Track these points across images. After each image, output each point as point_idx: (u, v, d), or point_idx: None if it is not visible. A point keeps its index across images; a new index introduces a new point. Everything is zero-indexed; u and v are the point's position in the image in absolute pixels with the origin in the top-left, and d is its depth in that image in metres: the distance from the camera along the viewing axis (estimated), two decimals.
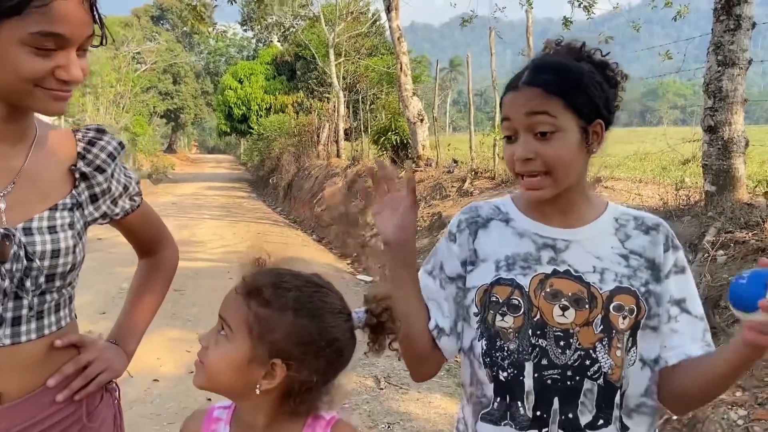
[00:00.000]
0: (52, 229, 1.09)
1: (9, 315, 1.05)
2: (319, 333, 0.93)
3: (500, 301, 1.14)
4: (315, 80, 25.99)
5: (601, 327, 1.11)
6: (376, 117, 15.72)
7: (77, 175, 1.16)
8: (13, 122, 1.07)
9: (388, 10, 10.02)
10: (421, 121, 9.91)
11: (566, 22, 11.79)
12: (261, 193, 20.50)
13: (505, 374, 1.13)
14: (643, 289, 1.13)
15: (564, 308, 1.11)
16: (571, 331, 1.11)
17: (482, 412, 1.16)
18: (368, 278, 7.30)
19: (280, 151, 20.74)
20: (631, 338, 1.12)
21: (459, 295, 1.21)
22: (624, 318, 1.11)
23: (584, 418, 1.10)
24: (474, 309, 1.18)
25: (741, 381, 2.95)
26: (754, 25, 4.21)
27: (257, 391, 0.94)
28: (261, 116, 27.01)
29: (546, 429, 1.11)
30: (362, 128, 15.61)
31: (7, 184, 1.07)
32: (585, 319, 1.11)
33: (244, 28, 31.44)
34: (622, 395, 1.12)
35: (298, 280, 0.97)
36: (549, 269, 1.14)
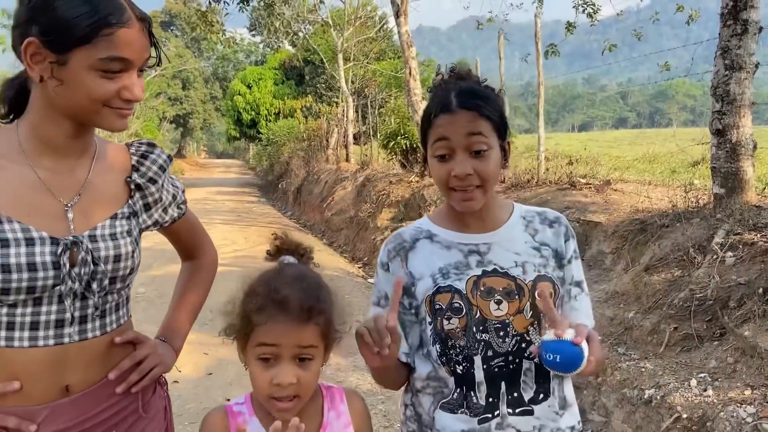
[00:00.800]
0: (113, 236, 1.20)
1: (77, 314, 1.16)
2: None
3: (443, 307, 1.29)
4: (323, 84, 26.13)
5: (531, 312, 1.29)
6: (385, 121, 15.81)
7: (132, 186, 1.28)
8: (79, 138, 1.18)
9: (397, 15, 10.11)
10: None
11: (569, 26, 11.83)
12: (270, 198, 20.60)
13: (460, 368, 1.29)
14: (554, 276, 1.33)
15: (498, 302, 1.28)
16: (507, 321, 1.28)
17: (442, 401, 1.31)
18: None
19: (289, 155, 20.83)
20: None
21: (407, 314, 1.35)
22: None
23: (527, 395, 1.28)
24: (428, 318, 1.32)
25: (749, 379, 3.00)
26: (760, 29, 4.26)
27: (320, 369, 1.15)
28: (270, 121, 27.18)
29: (497, 411, 1.27)
30: (371, 132, 15.71)
31: (73, 195, 1.18)
32: (517, 308, 1.29)
33: (252, 33, 31.64)
34: None
35: (308, 274, 1.24)
36: (479, 271, 1.30)
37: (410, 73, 10.05)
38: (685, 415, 2.91)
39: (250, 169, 35.44)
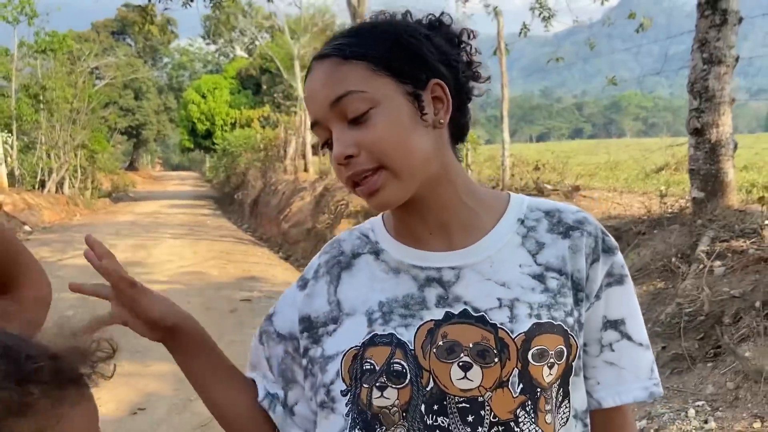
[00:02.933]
0: None
1: None
2: None
3: (376, 368, 0.78)
4: (281, 94, 25.61)
5: (521, 386, 0.76)
6: None
7: None
8: None
9: (354, 18, 9.75)
10: None
11: (524, 28, 11.68)
12: (226, 210, 19.98)
13: None
14: (571, 321, 0.79)
15: (465, 367, 0.76)
16: (480, 398, 0.75)
17: None
18: None
19: (245, 166, 20.37)
20: (561, 390, 0.79)
21: (289, 363, 0.88)
22: (551, 367, 0.77)
23: None
24: (340, 386, 0.80)
25: (756, 408, 2.62)
26: (740, 20, 3.98)
27: None
28: (226, 131, 26.50)
29: None
30: None
31: None
32: (497, 379, 0.76)
33: (207, 42, 30.88)
34: None
35: None
36: (439, 313, 0.79)
37: None
38: None
39: (206, 181, 34.53)
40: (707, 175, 4.17)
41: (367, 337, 0.79)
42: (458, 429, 0.75)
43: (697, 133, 4.19)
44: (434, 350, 0.76)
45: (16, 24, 17.80)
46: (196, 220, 16.19)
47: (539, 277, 0.80)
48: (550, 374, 0.77)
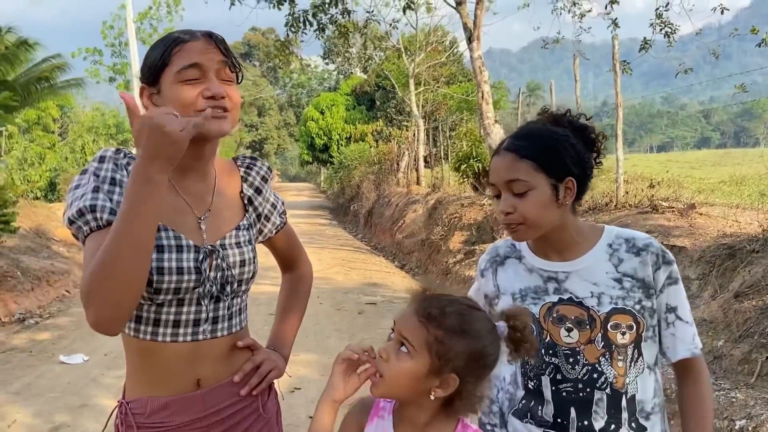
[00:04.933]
0: (238, 245, 1.37)
1: (211, 314, 1.32)
2: (483, 349, 1.12)
3: None
4: (394, 109, 26.51)
5: (602, 343, 1.30)
6: (455, 144, 15.86)
7: (246, 201, 1.45)
8: (201, 160, 1.35)
9: (470, 41, 10.21)
10: None
11: (645, 44, 11.52)
12: (341, 221, 20.93)
13: (531, 384, 1.35)
14: (638, 307, 1.31)
15: (569, 330, 1.32)
16: (578, 348, 1.31)
17: (513, 408, 1.38)
18: None
19: (359, 178, 21.11)
20: (636, 350, 1.32)
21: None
22: (623, 334, 1.30)
23: (598, 424, 1.29)
24: None
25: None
26: None
27: (431, 398, 1.11)
28: (341, 145, 27.79)
29: None
30: (442, 155, 15.78)
31: (204, 210, 1.35)
32: (588, 338, 1.31)
33: (326, 61, 32.62)
34: (628, 400, 1.30)
35: (461, 305, 1.15)
36: (555, 298, 1.34)
37: (483, 97, 10.09)
38: None
39: (321, 192, 36.27)
40: None
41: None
42: (564, 365, 1.33)
43: None
44: (550, 319, 1.34)
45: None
46: (315, 229, 17.21)
47: (618, 280, 1.33)
48: (623, 338, 1.32)
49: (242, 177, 1.46)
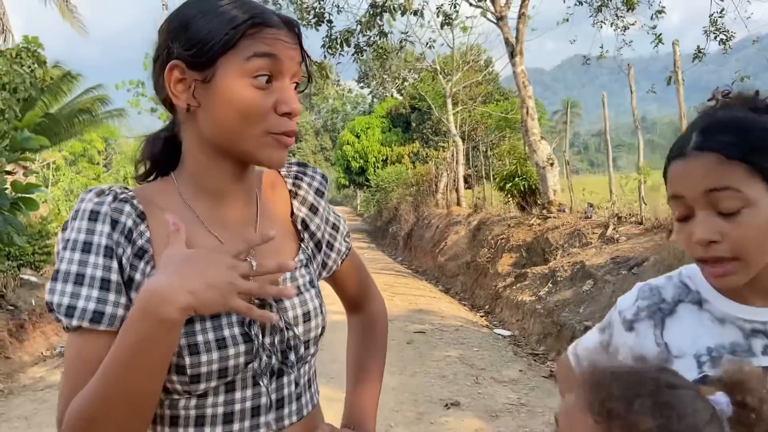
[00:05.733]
0: (297, 292, 0.97)
1: (273, 397, 0.93)
2: None
3: None
4: (430, 130, 26.34)
5: None
6: (493, 163, 15.47)
7: (299, 225, 1.06)
8: (241, 181, 0.97)
9: (512, 55, 9.90)
10: (551, 165, 9.53)
11: (699, 53, 11.01)
12: (380, 244, 20.72)
13: None
14: None
15: None
16: None
17: None
18: (506, 332, 6.92)
19: (397, 201, 21.00)
20: None
21: None
22: None
23: None
24: None
25: None
26: None
27: None
28: (378, 168, 27.71)
29: None
30: (482, 175, 15.40)
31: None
32: None
33: (361, 84, 32.79)
34: None
35: (654, 384, 0.74)
36: (766, 360, 0.90)
37: (527, 113, 9.73)
38: None
39: (357, 215, 36.23)
40: None
41: (698, 377, 0.93)
42: None
43: None
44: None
45: None
46: None
47: None
48: None
49: (291, 192, 1.06)
